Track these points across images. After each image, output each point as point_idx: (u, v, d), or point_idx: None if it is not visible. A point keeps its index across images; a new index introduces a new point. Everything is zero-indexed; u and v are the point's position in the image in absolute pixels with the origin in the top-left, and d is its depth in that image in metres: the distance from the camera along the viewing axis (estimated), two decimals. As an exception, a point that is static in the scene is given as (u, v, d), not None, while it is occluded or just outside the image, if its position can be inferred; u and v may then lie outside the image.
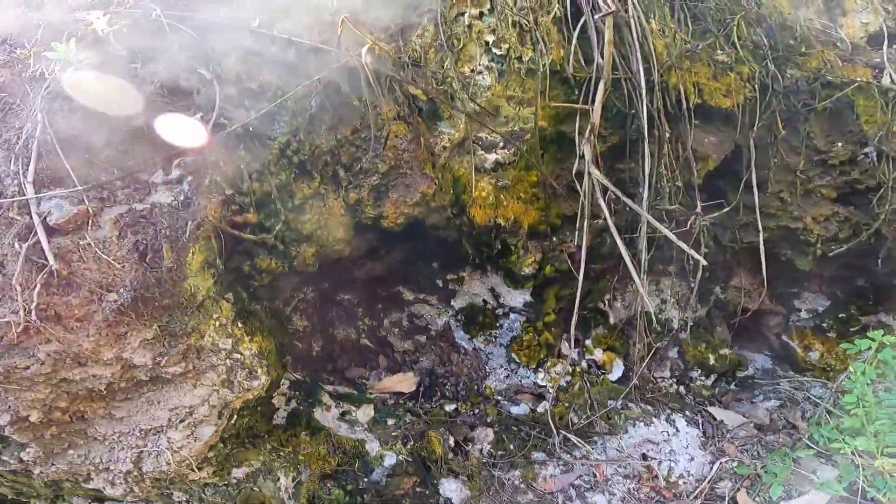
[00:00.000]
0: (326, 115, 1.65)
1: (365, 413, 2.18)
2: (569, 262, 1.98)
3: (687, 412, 2.33)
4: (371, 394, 2.31)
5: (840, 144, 2.05)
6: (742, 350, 2.72)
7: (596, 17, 1.76)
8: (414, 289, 2.32)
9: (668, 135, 1.83)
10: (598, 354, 2.29)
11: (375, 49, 1.64)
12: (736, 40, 2.06)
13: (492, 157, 1.82)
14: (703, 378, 2.51)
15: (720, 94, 1.95)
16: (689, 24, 2.10)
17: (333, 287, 2.33)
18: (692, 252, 1.63)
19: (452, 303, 2.34)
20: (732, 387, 2.61)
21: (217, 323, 1.51)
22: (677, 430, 2.23)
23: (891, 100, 2.04)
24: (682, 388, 2.44)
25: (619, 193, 1.70)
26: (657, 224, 1.67)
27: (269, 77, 1.56)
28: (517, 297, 2.22)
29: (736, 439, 2.21)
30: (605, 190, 1.79)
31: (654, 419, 2.23)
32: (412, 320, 2.45)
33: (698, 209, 1.90)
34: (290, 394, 2.04)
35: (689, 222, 1.90)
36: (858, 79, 2.07)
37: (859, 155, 2.02)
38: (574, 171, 1.80)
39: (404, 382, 2.37)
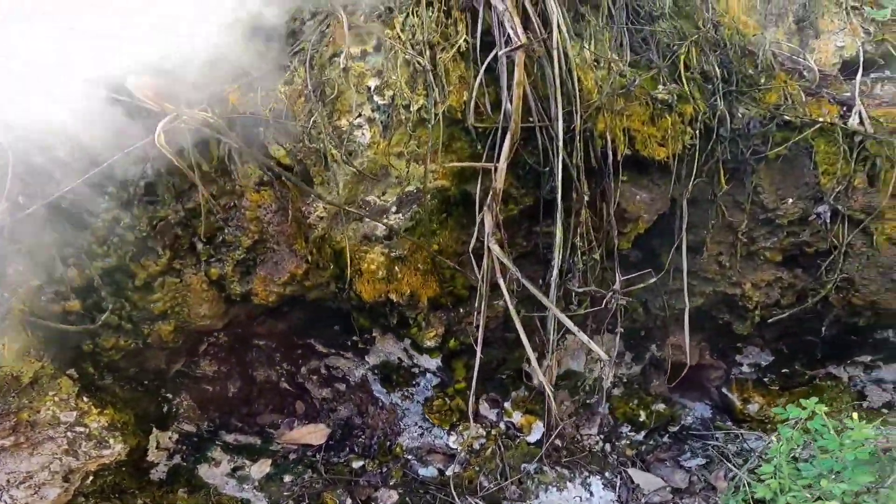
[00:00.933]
0: (171, 182, 1.38)
1: (259, 469, 2.03)
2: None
3: (606, 474, 2.20)
4: (277, 444, 2.15)
5: (791, 201, 1.80)
6: (683, 398, 2.57)
7: (500, 52, 1.45)
8: (325, 343, 2.12)
9: (586, 197, 1.57)
10: (517, 417, 2.12)
11: (231, 99, 1.36)
12: (682, 72, 1.77)
13: (383, 223, 1.56)
14: (633, 433, 2.37)
15: (655, 143, 1.68)
16: (633, 51, 1.80)
17: (246, 333, 2.13)
18: (594, 347, 1.42)
19: (367, 358, 2.14)
20: (665, 439, 2.48)
21: (56, 398, 1.46)
22: (591, 495, 2.10)
23: (856, 146, 1.75)
24: (608, 446, 2.29)
25: (522, 277, 1.46)
26: (562, 317, 1.44)
27: (90, 141, 1.28)
28: (430, 361, 2.02)
29: (650, 504, 2.10)
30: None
31: (568, 483, 2.09)
32: (329, 370, 2.26)
33: (617, 286, 1.67)
34: (175, 448, 1.93)
35: (605, 299, 1.67)
36: (821, 118, 1.77)
37: (811, 214, 1.79)
38: (471, 247, 1.55)
39: (314, 434, 2.21)
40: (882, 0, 2.01)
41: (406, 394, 2.21)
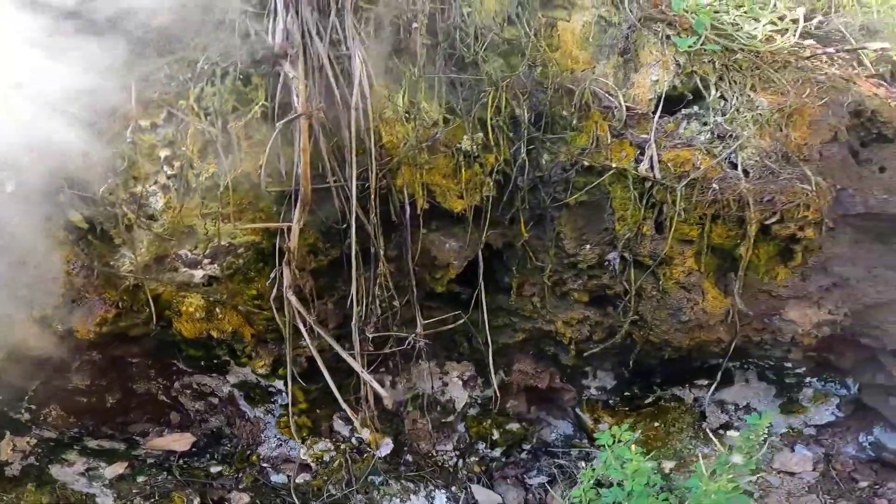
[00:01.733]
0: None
1: (113, 470, 2.24)
2: (306, 364, 1.95)
3: (453, 488, 2.41)
4: (141, 450, 2.36)
5: (588, 247, 1.94)
6: (549, 416, 2.76)
7: (278, 123, 1.59)
8: (186, 364, 2.31)
9: (382, 252, 1.73)
10: (367, 434, 2.32)
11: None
12: (490, 118, 1.86)
13: (199, 272, 1.74)
14: (489, 450, 2.57)
15: (454, 196, 1.82)
16: (449, 97, 1.87)
17: (121, 352, 2.32)
18: (378, 388, 1.60)
19: (228, 377, 2.34)
20: (524, 456, 2.67)
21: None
22: (433, 507, 2.33)
23: (646, 191, 1.85)
24: (461, 462, 2.50)
25: (315, 325, 1.64)
26: (346, 356, 1.62)
27: None
28: (279, 382, 2.22)
29: (485, 518, 2.31)
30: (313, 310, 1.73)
31: (412, 496, 2.31)
32: (200, 386, 2.46)
33: (419, 329, 1.84)
34: (30, 450, 2.14)
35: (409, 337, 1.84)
36: (615, 164, 1.84)
37: (605, 260, 1.93)
38: (272, 297, 1.72)
39: (179, 441, 2.44)
40: (696, 24, 1.96)
41: (268, 409, 2.41)
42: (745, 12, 2.08)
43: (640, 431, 2.54)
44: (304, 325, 1.68)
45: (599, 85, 1.94)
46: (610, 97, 1.93)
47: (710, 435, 1.99)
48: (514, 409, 2.66)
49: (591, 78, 1.95)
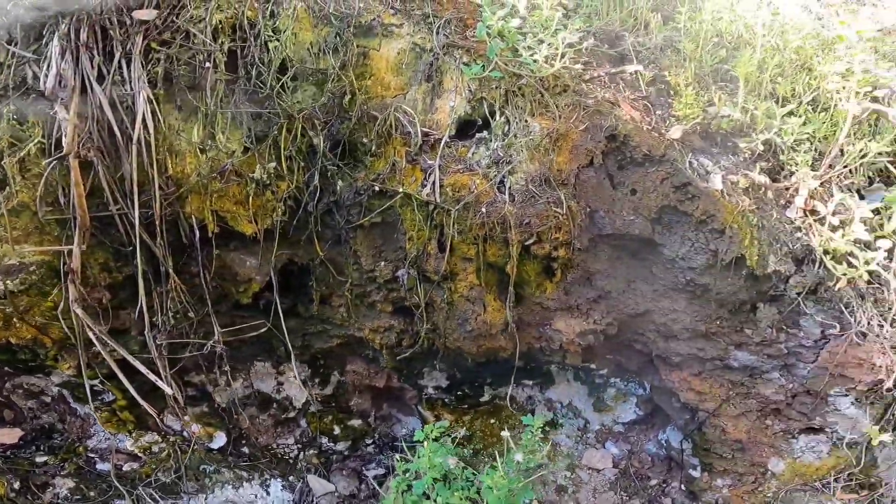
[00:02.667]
0: None
1: None
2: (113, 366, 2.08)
3: (290, 478, 2.59)
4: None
5: (383, 264, 2.11)
6: (399, 413, 2.95)
7: (46, 161, 1.70)
8: (9, 366, 2.42)
9: (171, 270, 1.87)
10: (196, 428, 2.49)
11: None
12: (284, 148, 1.97)
13: (-8, 287, 1.85)
14: (332, 444, 2.75)
15: (244, 220, 1.96)
16: (252, 129, 1.97)
17: None
18: (161, 384, 1.75)
19: (52, 378, 2.46)
20: (369, 449, 2.87)
21: None
22: (268, 494, 2.52)
23: (430, 214, 2.00)
24: (301, 455, 2.67)
25: (107, 337, 1.79)
26: (130, 358, 1.77)
27: None
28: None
29: (317, 506, 2.51)
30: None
31: (245, 483, 2.51)
32: (29, 386, 2.58)
33: (217, 336, 2.00)
34: None
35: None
36: (402, 188, 1.98)
37: (397, 275, 2.10)
38: (61, 309, 1.85)
39: (7, 435, 2.56)
40: (489, 51, 2.07)
41: (96, 406, 2.55)
42: (543, 36, 2.18)
43: (465, 427, 2.81)
44: (94, 335, 1.82)
45: (402, 112, 2.04)
46: (408, 124, 2.04)
47: (508, 438, 2.17)
48: (359, 407, 2.84)
49: (395, 105, 2.06)
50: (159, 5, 1.87)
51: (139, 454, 2.38)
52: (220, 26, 1.87)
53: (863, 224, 1.80)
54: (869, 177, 2.18)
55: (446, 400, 2.80)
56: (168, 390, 1.84)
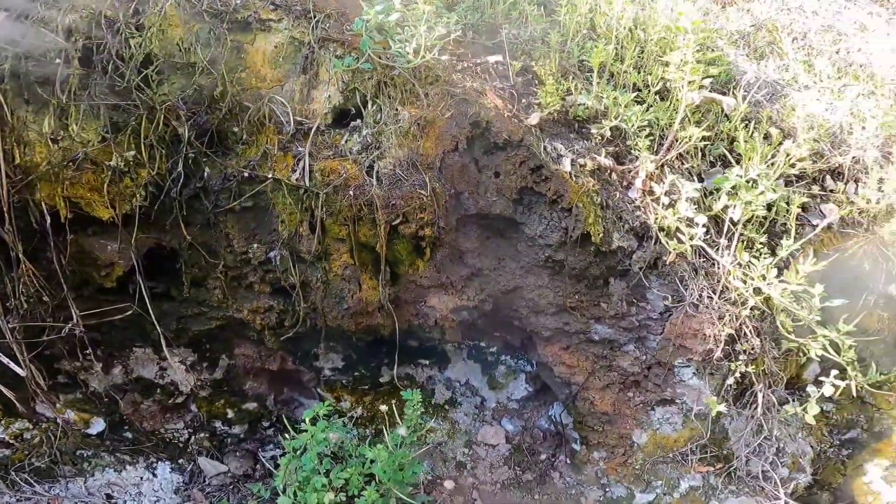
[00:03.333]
0: None
1: None
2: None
3: (180, 461, 2.63)
4: None
5: (256, 246, 2.18)
6: (301, 396, 3.02)
7: None
8: None
9: (21, 255, 1.91)
10: (70, 415, 2.50)
11: None
12: (144, 138, 2.00)
13: None
14: (227, 428, 2.80)
15: (101, 206, 1.99)
16: (112, 120, 1.99)
17: None
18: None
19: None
20: (269, 432, 2.93)
21: None
22: (155, 476, 2.55)
23: (300, 197, 2.09)
24: (192, 438, 2.72)
25: None
26: None
27: None
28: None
29: (209, 486, 2.55)
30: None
31: (128, 466, 2.53)
32: None
33: (76, 320, 2.04)
34: None
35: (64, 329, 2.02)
36: (271, 174, 2.06)
37: (268, 256, 2.18)
38: None
39: None
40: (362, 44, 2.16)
41: None
42: (415, 30, 2.30)
43: (364, 408, 2.91)
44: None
45: (276, 102, 2.14)
46: (282, 114, 2.14)
47: (387, 413, 2.28)
48: (254, 390, 2.89)
49: (269, 96, 2.15)
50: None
51: (11, 441, 2.35)
52: (74, 25, 1.92)
53: (689, 203, 1.99)
54: (711, 161, 2.42)
55: (345, 381, 2.88)
56: (22, 373, 1.86)
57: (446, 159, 2.11)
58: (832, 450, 2.69)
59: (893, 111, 2.72)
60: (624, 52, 2.37)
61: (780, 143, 2.26)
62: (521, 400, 2.92)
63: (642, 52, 2.39)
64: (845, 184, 2.68)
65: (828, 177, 2.69)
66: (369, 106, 2.19)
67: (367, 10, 2.15)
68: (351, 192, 2.08)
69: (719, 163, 2.34)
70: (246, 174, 2.10)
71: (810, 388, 2.22)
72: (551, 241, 2.13)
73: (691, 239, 2.02)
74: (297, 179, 2.12)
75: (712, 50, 2.62)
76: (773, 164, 2.23)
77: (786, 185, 2.50)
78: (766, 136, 2.36)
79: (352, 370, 2.82)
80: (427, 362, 2.89)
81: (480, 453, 2.86)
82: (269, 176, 2.10)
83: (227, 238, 2.17)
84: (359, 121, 2.23)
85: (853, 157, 2.62)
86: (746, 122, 2.46)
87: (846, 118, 2.73)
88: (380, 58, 2.19)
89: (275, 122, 2.17)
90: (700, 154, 2.36)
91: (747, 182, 2.16)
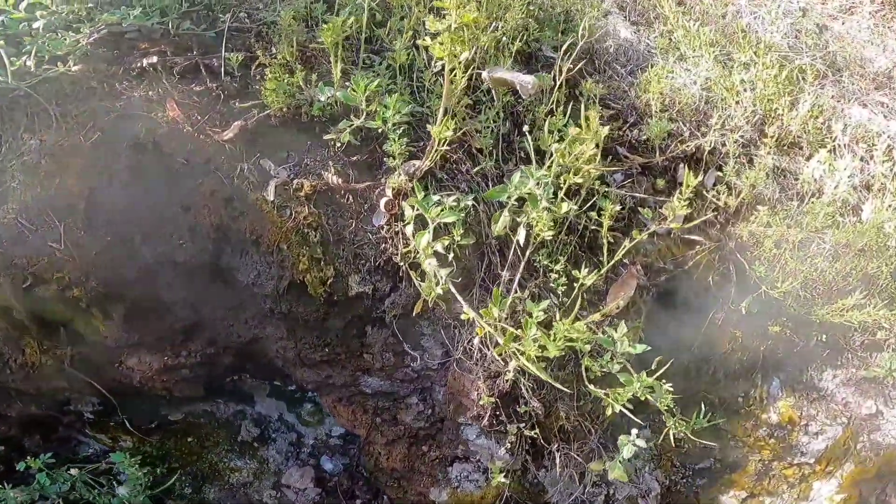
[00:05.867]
0: None
1: None
2: None
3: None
4: None
5: None
6: (79, 435, 2.68)
7: None
8: None
9: None
10: None
11: None
12: None
13: None
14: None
15: None
16: None
17: None
18: None
19: None
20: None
21: None
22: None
23: None
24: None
25: None
26: None
27: None
28: None
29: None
30: None
31: None
32: None
33: None
34: None
35: None
36: None
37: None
38: None
39: None
40: None
41: None
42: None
43: (153, 447, 2.59)
44: None
45: None
46: None
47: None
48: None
49: None
50: None
51: None
52: None
53: (428, 232, 1.50)
54: (523, 158, 1.90)
55: (121, 420, 2.54)
56: None
57: (97, 197, 1.60)
58: (684, 481, 2.41)
59: (776, 82, 2.17)
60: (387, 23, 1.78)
61: (599, 131, 1.75)
62: (344, 436, 2.59)
63: (403, 20, 1.79)
64: (704, 173, 2.19)
65: (682, 165, 2.20)
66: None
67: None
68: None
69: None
70: None
71: (621, 439, 1.87)
72: (267, 291, 1.68)
73: (438, 281, 1.56)
74: None
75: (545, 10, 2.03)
76: (578, 160, 1.71)
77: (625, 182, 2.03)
78: (588, 120, 1.83)
79: (119, 412, 2.47)
80: (221, 400, 2.53)
81: (290, 496, 2.58)
82: None
83: None
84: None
85: (718, 140, 2.11)
86: (574, 101, 1.92)
87: (720, 91, 2.19)
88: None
89: None
90: (493, 155, 1.84)
91: (532, 192, 1.66)
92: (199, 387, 1.99)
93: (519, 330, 1.55)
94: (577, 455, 1.93)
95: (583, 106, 1.77)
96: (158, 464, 2.66)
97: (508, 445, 1.86)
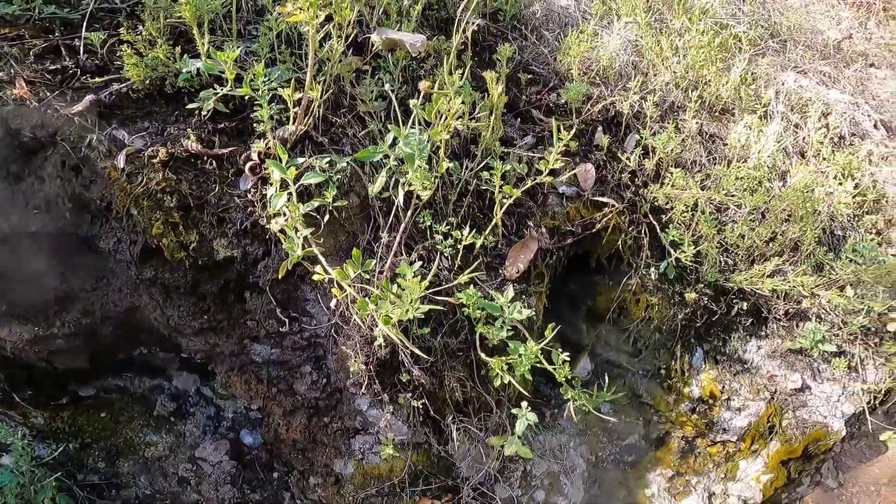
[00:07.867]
0: None
1: None
2: None
3: None
4: None
5: None
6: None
7: None
8: None
9: None
10: None
11: None
12: None
13: None
14: None
15: None
16: None
17: None
18: None
19: None
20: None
21: None
22: None
23: None
24: None
25: None
26: None
27: None
28: None
29: None
30: None
31: None
32: None
33: None
34: None
35: None
36: None
37: None
38: None
39: None
40: None
41: None
42: None
43: (65, 423, 2.58)
44: None
45: None
46: None
47: None
48: None
49: None
50: None
51: None
52: None
53: (287, 194, 1.45)
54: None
55: (26, 396, 2.53)
56: None
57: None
58: (612, 457, 2.38)
59: (710, 48, 2.07)
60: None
61: (494, 92, 1.67)
62: (262, 409, 2.58)
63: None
64: (624, 136, 2.11)
65: (599, 129, 2.11)
66: None
67: None
68: None
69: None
70: None
71: (515, 410, 1.83)
72: (127, 258, 1.63)
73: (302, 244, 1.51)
74: None
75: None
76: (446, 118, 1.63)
77: (537, 145, 1.95)
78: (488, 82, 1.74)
79: (24, 388, 2.45)
80: (131, 374, 2.50)
81: (206, 469, 2.58)
82: None
83: None
84: None
85: (637, 103, 2.02)
86: (491, 67, 1.83)
87: (650, 57, 2.09)
88: None
89: None
90: (384, 119, 1.76)
91: (406, 151, 1.59)
92: (82, 359, 1.97)
93: (379, 291, 1.51)
94: (478, 429, 1.90)
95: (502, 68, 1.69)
96: (71, 440, 2.69)
97: (406, 417, 1.84)
